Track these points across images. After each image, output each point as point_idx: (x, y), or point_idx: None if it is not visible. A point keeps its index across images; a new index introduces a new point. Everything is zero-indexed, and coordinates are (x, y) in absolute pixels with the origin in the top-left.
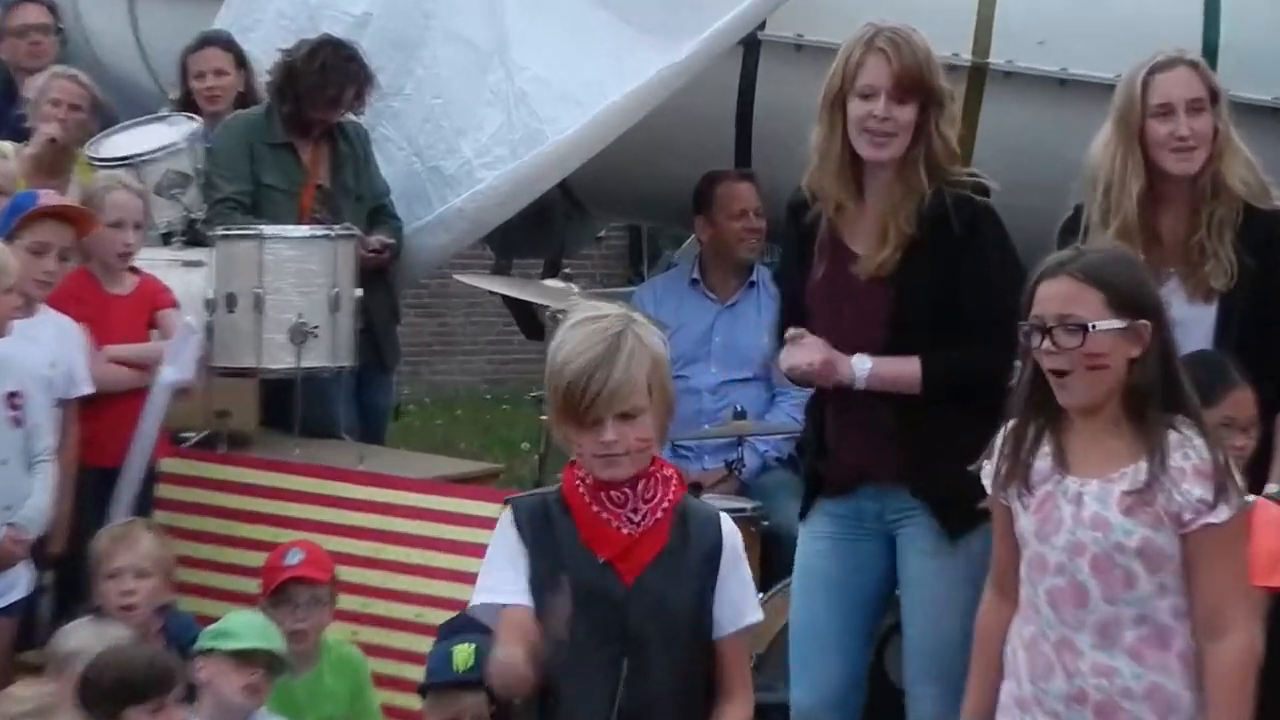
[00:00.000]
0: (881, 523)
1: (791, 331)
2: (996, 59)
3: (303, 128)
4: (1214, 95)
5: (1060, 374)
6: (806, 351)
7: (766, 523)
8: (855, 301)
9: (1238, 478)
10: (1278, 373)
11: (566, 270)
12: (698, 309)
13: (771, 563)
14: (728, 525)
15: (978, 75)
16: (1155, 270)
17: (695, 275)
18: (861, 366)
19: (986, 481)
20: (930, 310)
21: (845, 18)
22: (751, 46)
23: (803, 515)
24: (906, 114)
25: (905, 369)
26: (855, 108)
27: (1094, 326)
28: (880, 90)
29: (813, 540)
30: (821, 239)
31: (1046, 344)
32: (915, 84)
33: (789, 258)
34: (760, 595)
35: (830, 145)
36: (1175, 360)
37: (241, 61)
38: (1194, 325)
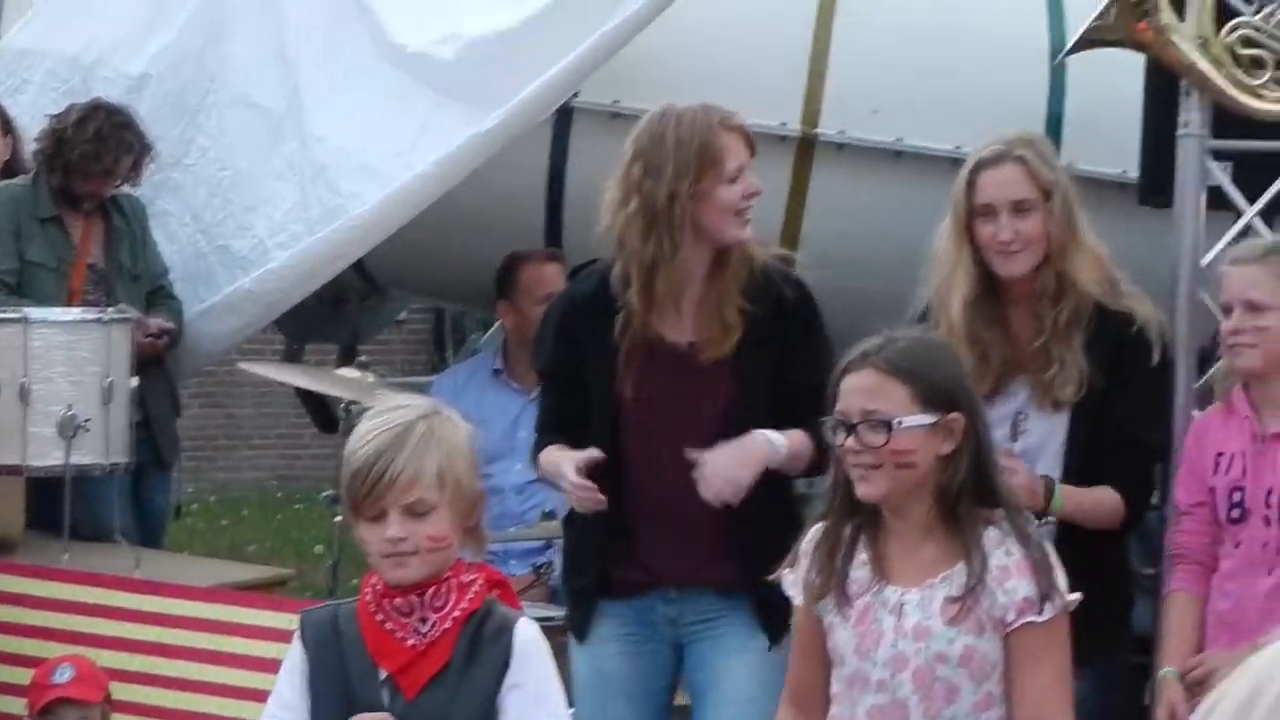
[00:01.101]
0: (674, 629)
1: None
2: (827, 129)
3: (73, 200)
4: (1046, 193)
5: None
6: (723, 469)
7: None
8: (685, 398)
9: (1061, 576)
10: (1135, 486)
11: (363, 358)
12: (501, 401)
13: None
14: (523, 630)
15: (806, 146)
16: (1006, 377)
17: (498, 365)
18: (777, 440)
19: (792, 592)
20: (765, 392)
21: (664, 84)
22: (563, 114)
23: (581, 631)
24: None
25: (804, 442)
26: (728, 193)
27: (899, 423)
28: (746, 169)
29: (602, 644)
30: (631, 343)
31: (851, 441)
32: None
33: (566, 353)
34: (572, 709)
35: (667, 248)
36: (989, 455)
37: (7, 127)
38: (1049, 437)
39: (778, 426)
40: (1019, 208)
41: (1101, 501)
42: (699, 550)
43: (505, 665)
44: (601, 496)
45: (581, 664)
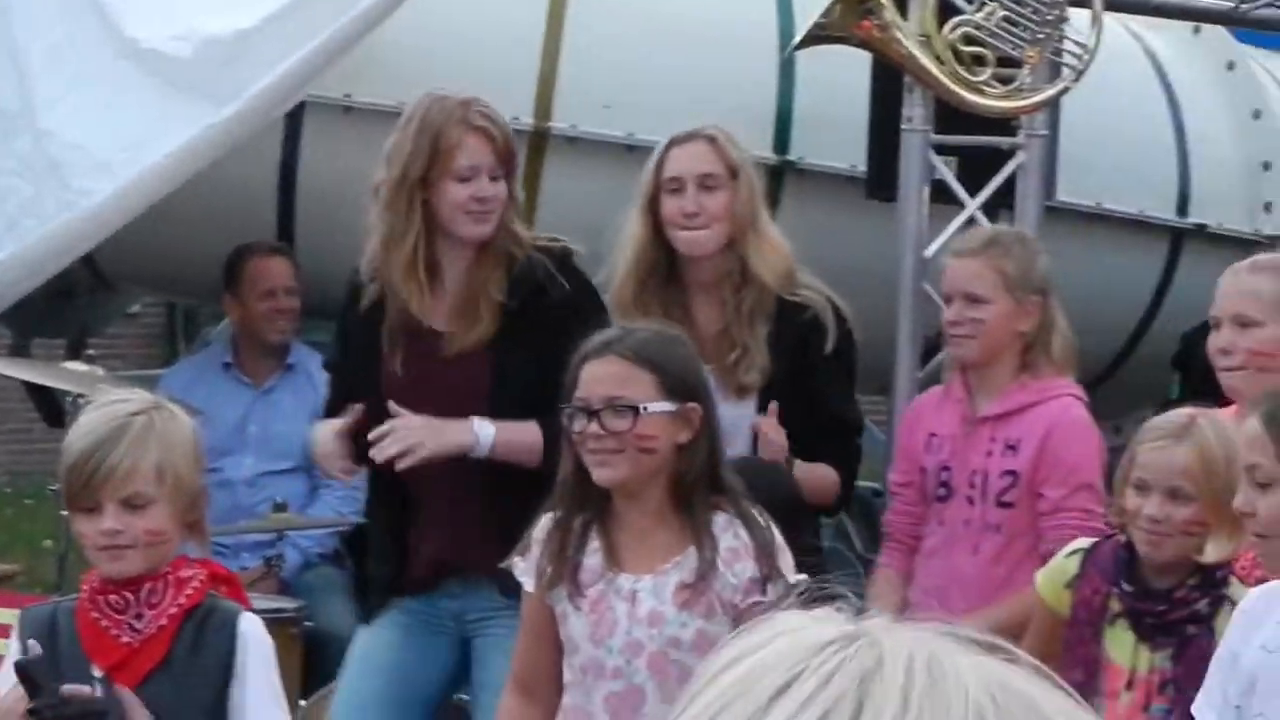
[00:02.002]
0: (460, 624)
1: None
2: (559, 123)
3: None
4: (733, 172)
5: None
6: (407, 435)
7: (310, 623)
8: (446, 384)
9: (786, 558)
10: (846, 463)
11: (90, 351)
12: (230, 395)
13: (315, 666)
14: (246, 626)
15: (539, 140)
16: None
17: (228, 358)
18: (485, 432)
19: (524, 579)
20: (528, 382)
21: (398, 77)
22: (295, 107)
23: (369, 615)
24: (503, 189)
25: (528, 434)
26: (456, 190)
27: (645, 409)
28: (483, 170)
29: (380, 630)
30: (392, 325)
31: (594, 427)
32: (510, 157)
33: (346, 345)
34: (302, 702)
35: (406, 231)
36: (720, 444)
37: None
38: (737, 424)
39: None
40: (705, 182)
41: (824, 478)
42: (469, 536)
43: (229, 660)
44: (348, 464)
45: (356, 644)
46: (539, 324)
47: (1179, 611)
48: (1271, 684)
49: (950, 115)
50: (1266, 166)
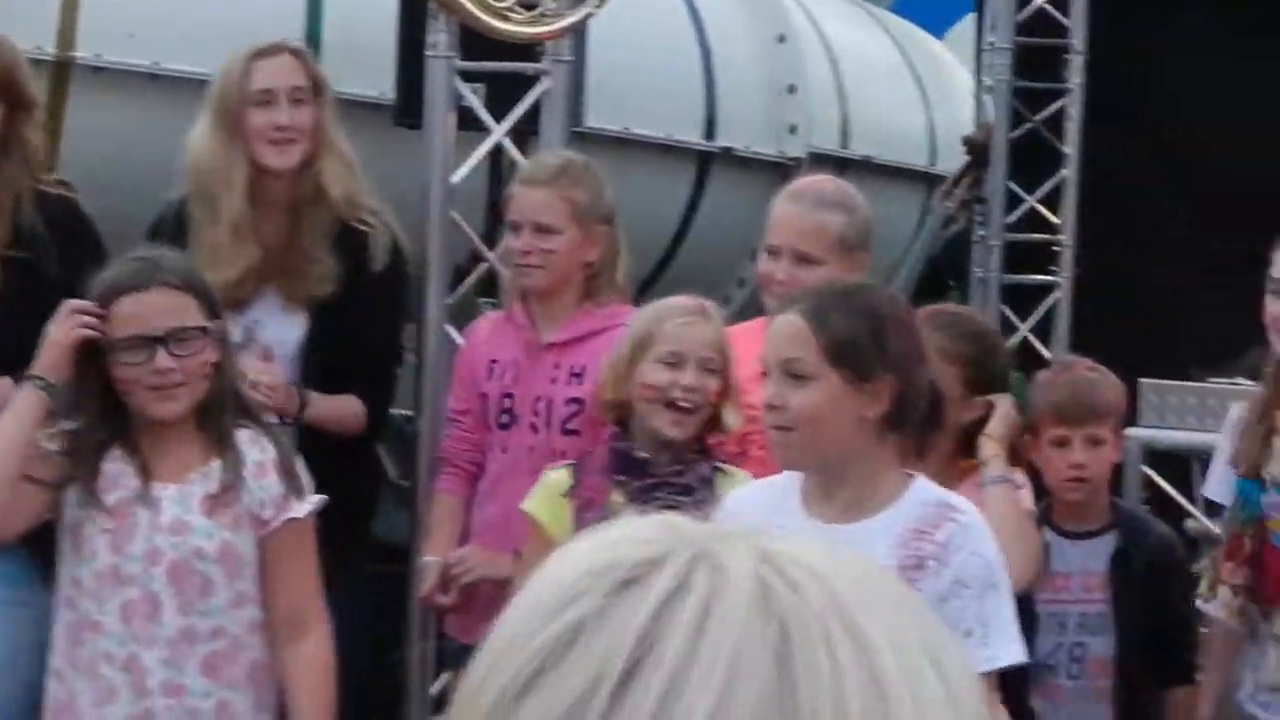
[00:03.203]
0: None
1: None
2: (83, 52)
3: None
4: (317, 87)
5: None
6: None
7: None
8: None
9: (307, 478)
10: (376, 392)
11: None
12: None
13: None
14: None
15: (62, 70)
16: (258, 284)
17: None
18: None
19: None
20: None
21: None
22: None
23: None
24: None
25: None
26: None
27: (209, 332)
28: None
29: None
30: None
31: (164, 359)
32: (9, 88)
33: None
34: None
35: None
36: (234, 360)
37: None
38: (287, 334)
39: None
40: (295, 95)
41: (343, 407)
42: None
43: None
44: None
45: None
46: (38, 267)
47: (680, 483)
48: None
49: (476, 41)
50: (791, 90)
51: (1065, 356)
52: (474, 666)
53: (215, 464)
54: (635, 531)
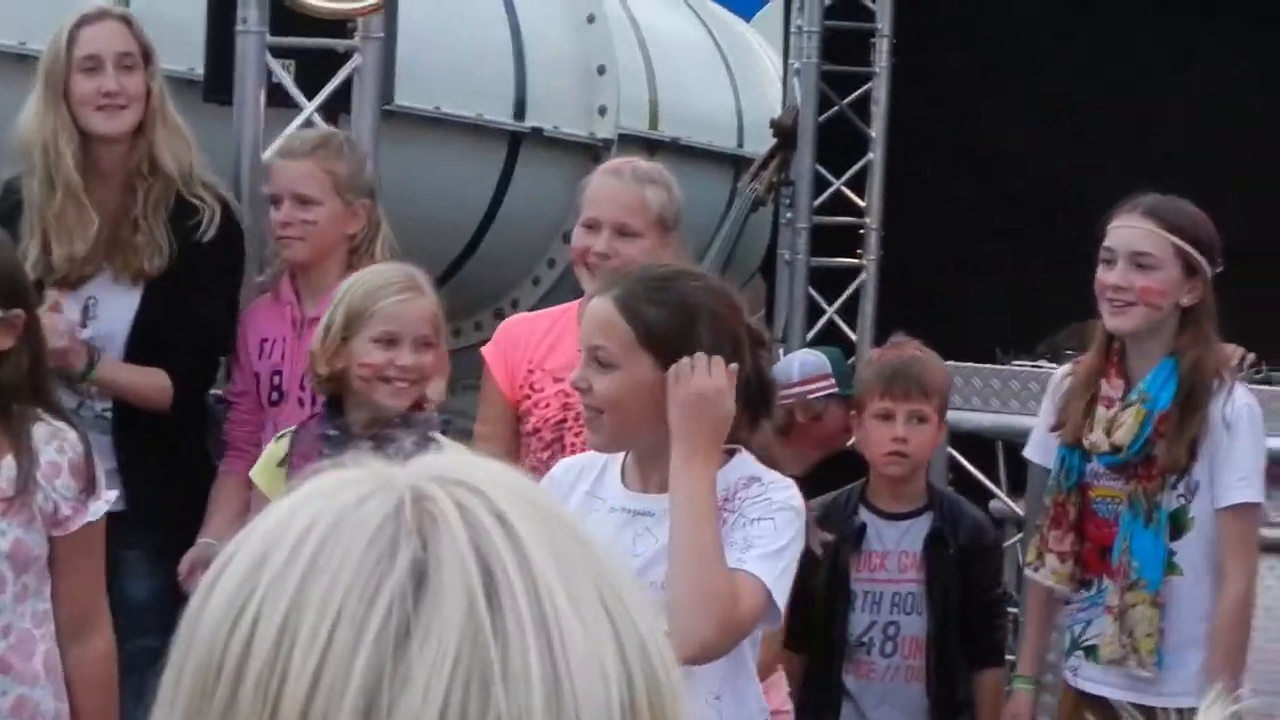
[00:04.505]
0: None
1: None
2: None
3: None
4: (146, 55)
5: None
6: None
7: None
8: None
9: (101, 475)
10: (194, 364)
11: None
12: None
13: None
14: None
15: None
16: (98, 248)
17: None
18: None
19: None
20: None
21: None
22: None
23: None
24: None
25: None
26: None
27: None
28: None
29: None
30: None
31: None
32: None
33: None
34: None
35: None
36: (45, 352)
37: None
38: (119, 308)
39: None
40: (124, 61)
41: (144, 377)
42: None
43: None
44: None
45: None
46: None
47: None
48: None
49: (287, 17)
50: (601, 71)
51: (897, 336)
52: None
53: (9, 459)
54: (357, 477)
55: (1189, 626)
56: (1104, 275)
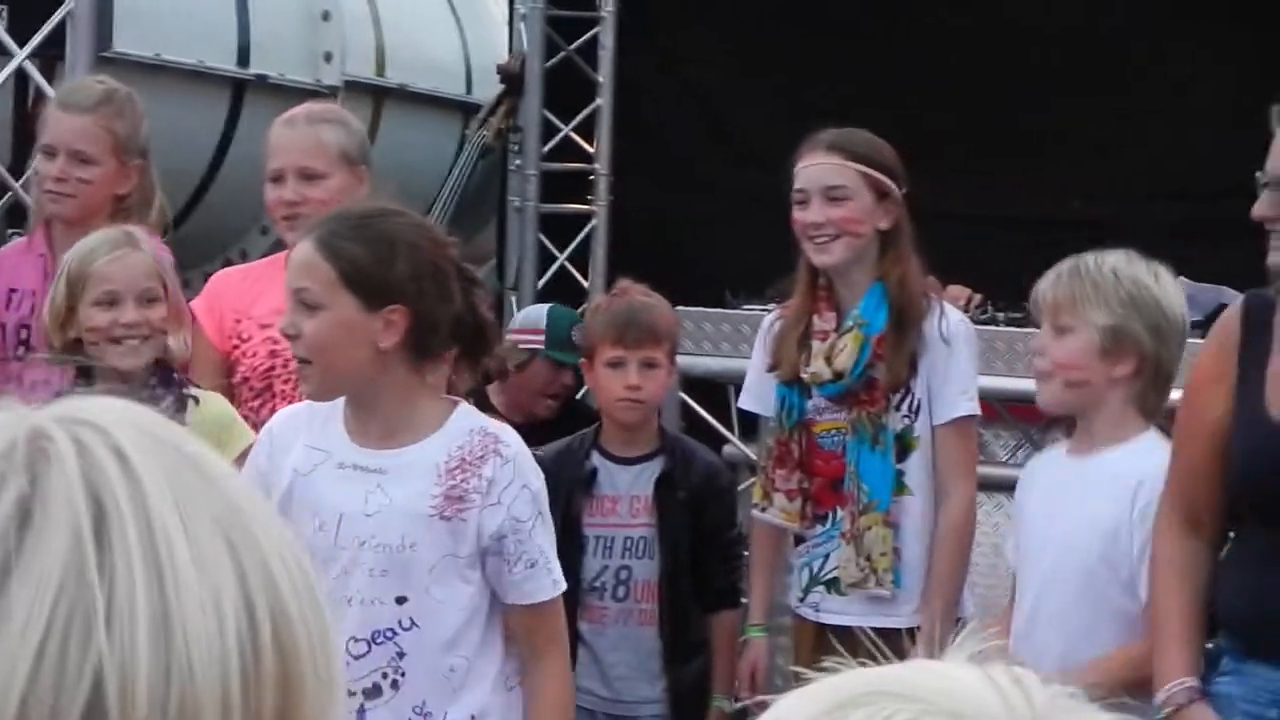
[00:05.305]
0: None
1: None
2: None
3: None
4: None
5: None
6: None
7: None
8: None
9: None
10: None
11: None
12: None
13: None
14: None
15: None
16: None
17: None
18: None
19: None
20: None
21: None
22: None
23: None
24: None
25: None
26: None
27: None
28: None
29: None
30: None
31: None
32: None
33: None
34: None
35: None
36: None
37: None
38: None
39: None
40: None
41: None
42: None
43: None
44: None
45: None
46: None
47: None
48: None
49: None
50: (326, 16)
51: (623, 282)
52: None
53: None
54: None
55: (922, 544)
56: (801, 214)
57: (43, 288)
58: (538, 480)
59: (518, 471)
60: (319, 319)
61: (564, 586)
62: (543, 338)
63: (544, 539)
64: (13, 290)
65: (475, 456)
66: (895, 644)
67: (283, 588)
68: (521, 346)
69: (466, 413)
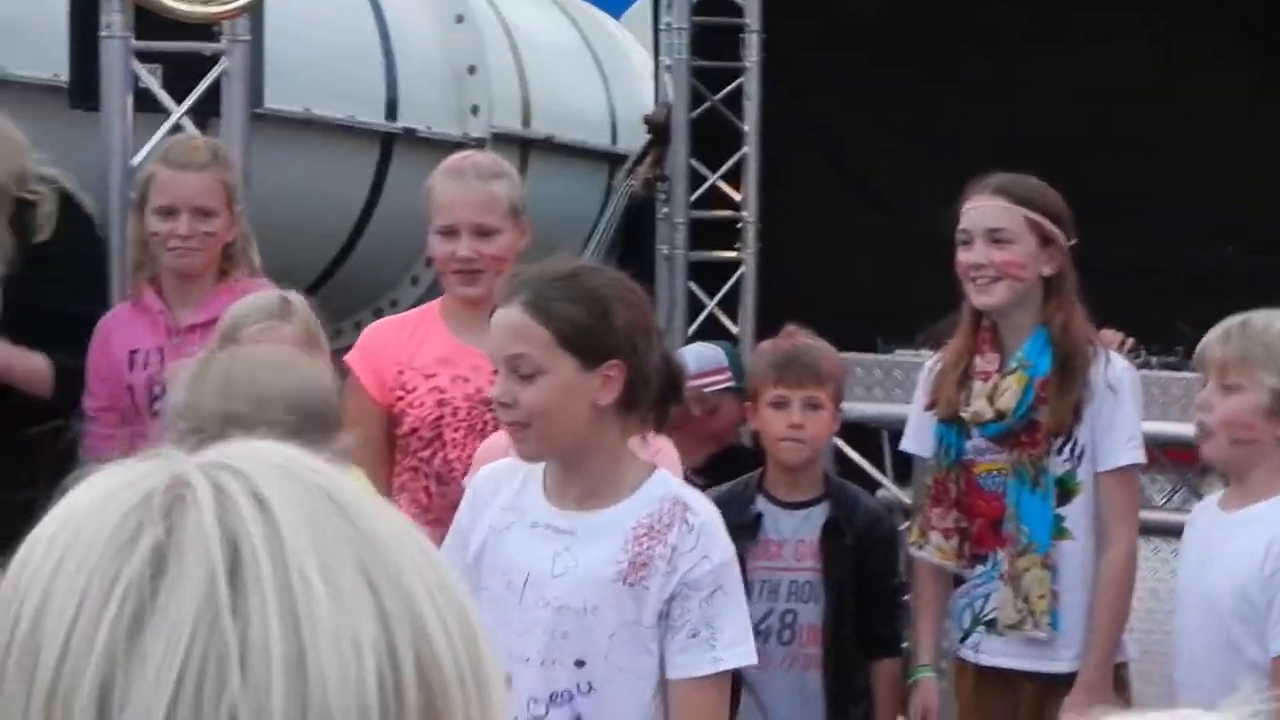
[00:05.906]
0: None
1: None
2: None
3: None
4: None
5: None
6: None
7: None
8: None
9: None
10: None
11: None
12: None
13: None
14: None
15: None
16: None
17: None
18: None
19: None
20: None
21: None
22: None
23: None
24: None
25: None
26: None
27: None
28: None
29: None
30: None
31: None
32: None
33: None
34: None
35: None
36: None
37: None
38: None
39: None
40: None
41: (27, 355)
42: None
43: None
44: None
45: None
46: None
47: None
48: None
49: (152, 21)
50: (472, 70)
51: (789, 326)
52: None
53: None
54: (136, 468)
55: (1082, 589)
56: (964, 255)
57: (167, 343)
58: (721, 553)
59: (700, 540)
60: (538, 384)
61: (726, 666)
62: (729, 374)
63: (716, 613)
64: (133, 351)
65: (663, 524)
66: (1055, 690)
67: (431, 628)
68: (708, 390)
69: (662, 479)
